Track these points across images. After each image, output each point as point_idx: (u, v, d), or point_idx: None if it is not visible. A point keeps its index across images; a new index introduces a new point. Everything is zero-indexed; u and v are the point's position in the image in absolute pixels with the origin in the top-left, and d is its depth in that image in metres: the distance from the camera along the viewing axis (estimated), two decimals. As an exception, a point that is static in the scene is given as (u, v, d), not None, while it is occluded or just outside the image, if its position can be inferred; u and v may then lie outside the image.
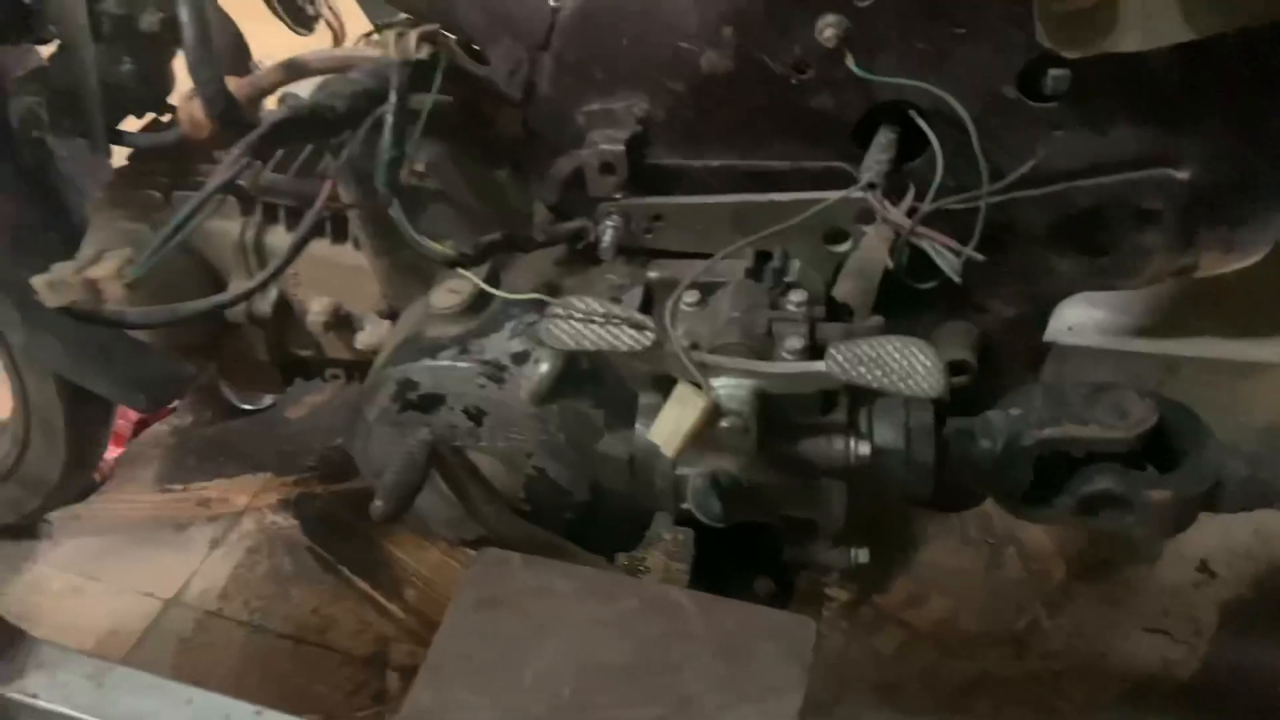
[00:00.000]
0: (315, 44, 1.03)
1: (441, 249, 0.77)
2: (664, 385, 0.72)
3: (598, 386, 0.83)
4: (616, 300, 0.84)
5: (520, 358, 0.84)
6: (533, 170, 0.89)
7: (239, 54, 0.99)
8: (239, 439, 1.61)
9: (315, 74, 0.87)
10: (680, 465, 0.77)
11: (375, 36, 0.94)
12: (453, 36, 0.84)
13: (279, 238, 1.00)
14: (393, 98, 0.73)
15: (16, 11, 0.94)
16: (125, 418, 1.51)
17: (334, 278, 1.01)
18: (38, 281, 0.73)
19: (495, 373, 0.84)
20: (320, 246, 0.98)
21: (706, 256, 0.81)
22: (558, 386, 0.81)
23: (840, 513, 0.78)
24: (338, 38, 1.02)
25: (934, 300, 0.80)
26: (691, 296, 0.80)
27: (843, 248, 0.81)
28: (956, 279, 0.69)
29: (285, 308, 1.05)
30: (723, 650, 0.73)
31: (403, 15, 0.92)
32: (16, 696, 0.79)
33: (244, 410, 1.63)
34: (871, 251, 0.76)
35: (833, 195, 0.77)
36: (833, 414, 0.75)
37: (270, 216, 1.01)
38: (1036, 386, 0.80)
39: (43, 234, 1.07)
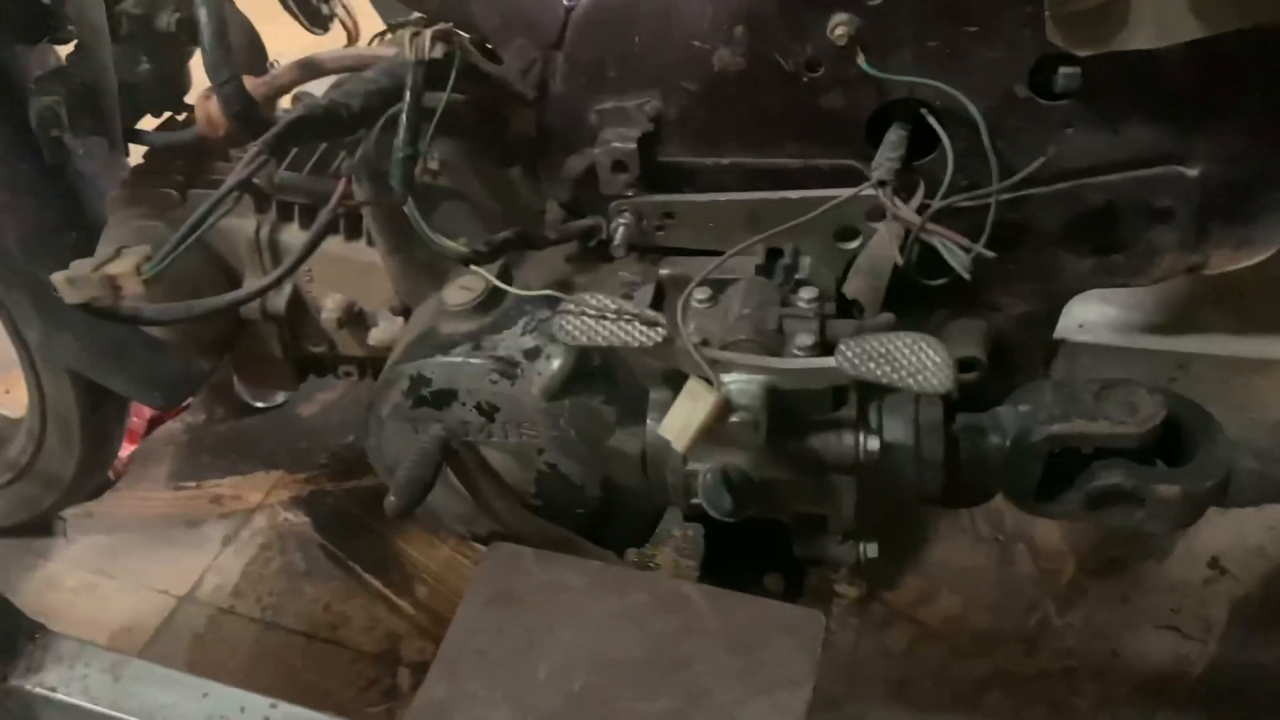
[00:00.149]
0: (330, 43, 1.03)
1: (455, 246, 0.78)
2: (675, 381, 0.73)
3: (609, 383, 0.83)
4: (628, 297, 0.84)
5: (532, 354, 0.83)
6: (546, 168, 0.89)
7: (255, 53, 0.99)
8: (252, 436, 1.61)
9: (330, 73, 0.88)
10: (691, 461, 0.77)
11: (389, 36, 0.95)
12: (467, 35, 0.84)
13: (293, 235, 1.01)
14: (407, 97, 0.74)
15: (35, 12, 0.96)
16: (139, 415, 1.52)
17: (347, 275, 1.01)
18: (57, 278, 0.74)
19: (507, 369, 0.84)
20: (334, 244, 0.98)
21: (718, 254, 0.81)
22: (570, 383, 0.81)
23: (850, 508, 0.78)
24: (352, 37, 1.02)
25: (945, 297, 0.80)
26: (703, 293, 0.80)
27: (853, 245, 0.81)
28: (967, 276, 0.70)
29: (299, 305, 1.05)
30: (734, 644, 0.74)
31: (416, 15, 0.92)
32: (36, 690, 0.79)
33: (257, 408, 1.63)
34: (882, 249, 0.76)
35: (844, 193, 0.78)
36: (843, 410, 0.75)
37: (285, 214, 1.01)
38: (1046, 383, 0.80)
39: (61, 231, 1.07)
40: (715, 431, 0.70)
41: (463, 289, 0.86)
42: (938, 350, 0.65)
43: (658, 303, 0.84)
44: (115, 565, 1.42)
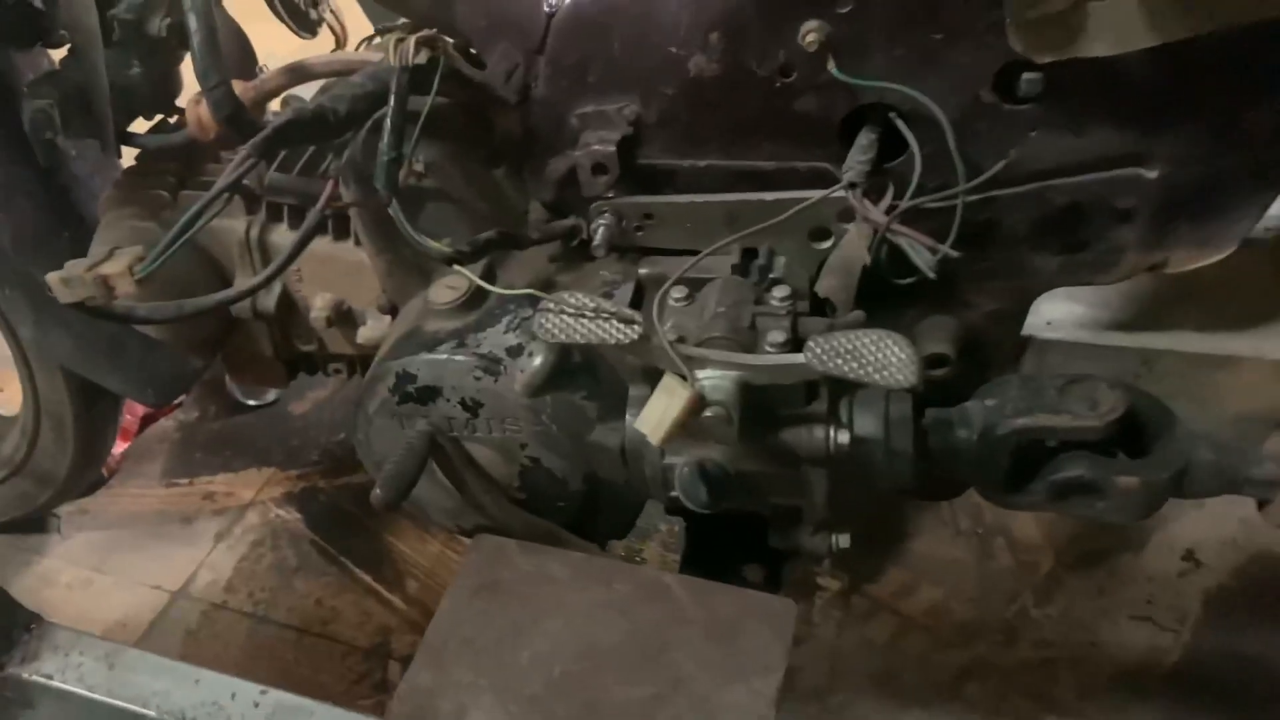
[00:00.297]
0: (318, 47, 1.05)
1: (439, 247, 0.79)
2: (653, 377, 0.74)
3: (590, 379, 0.84)
4: (609, 295, 0.86)
5: (515, 351, 0.85)
6: (529, 169, 0.90)
7: (244, 57, 1.01)
8: (244, 434, 1.62)
9: (318, 77, 0.89)
10: (668, 454, 0.79)
11: (377, 40, 0.96)
12: (451, 40, 0.85)
13: (282, 236, 1.02)
14: (392, 102, 0.75)
15: (28, 16, 0.97)
16: (131, 413, 1.52)
17: (336, 274, 1.03)
18: (52, 278, 0.75)
19: (491, 366, 0.85)
20: (322, 244, 1.00)
21: (696, 253, 0.83)
22: (551, 379, 0.83)
23: (823, 500, 0.80)
24: (339, 41, 1.04)
25: (918, 295, 0.82)
26: (680, 291, 0.82)
27: (826, 245, 0.83)
28: (931, 275, 0.72)
29: (289, 304, 1.06)
30: (711, 632, 0.76)
31: (402, 19, 0.94)
32: (33, 678, 0.80)
33: (249, 405, 1.64)
34: (852, 249, 0.78)
35: (815, 194, 0.79)
36: (814, 404, 0.77)
37: (274, 215, 1.03)
38: (1013, 378, 0.82)
39: (54, 231, 1.08)
40: (690, 426, 0.72)
41: (448, 288, 0.88)
42: (903, 347, 0.67)
43: (637, 301, 0.86)
44: (109, 561, 1.43)
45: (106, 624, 1.34)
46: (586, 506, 0.93)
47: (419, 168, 0.86)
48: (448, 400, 0.88)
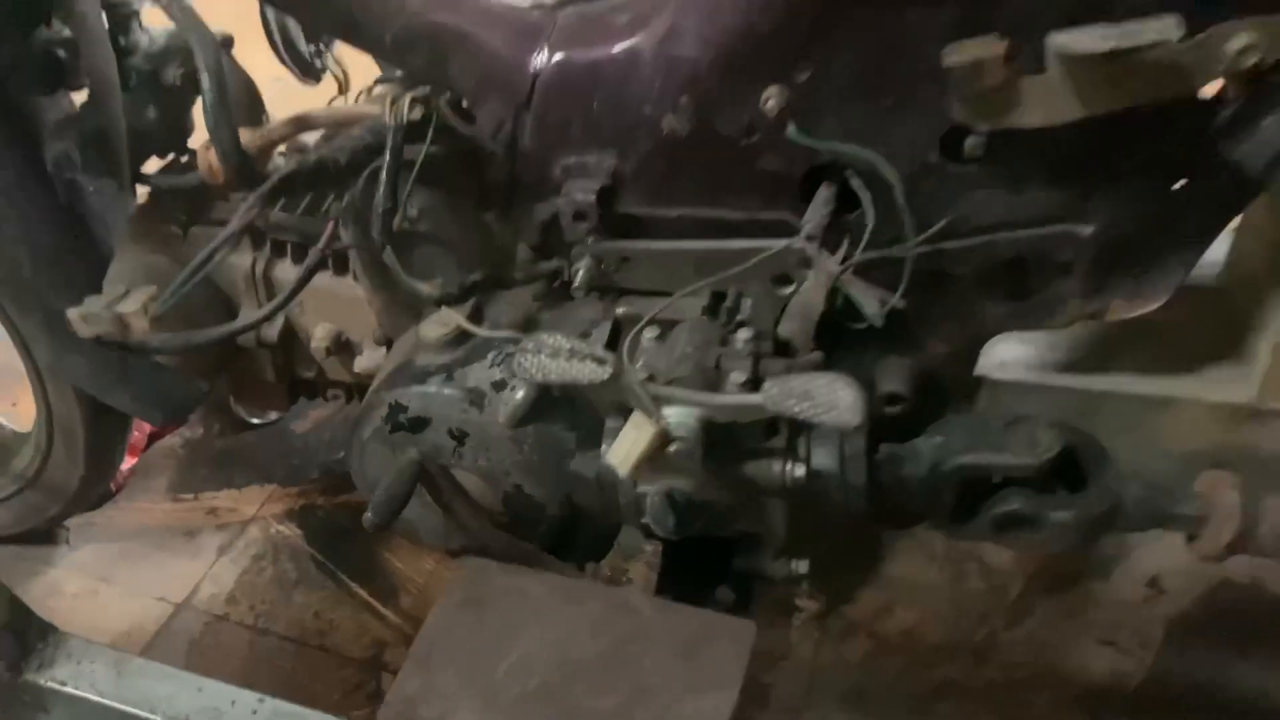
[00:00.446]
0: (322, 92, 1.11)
1: (428, 291, 0.85)
2: (626, 410, 0.78)
3: (569, 411, 0.88)
4: (588, 334, 0.91)
5: (499, 385, 0.89)
6: (516, 214, 0.95)
7: (252, 104, 1.05)
8: (247, 451, 1.63)
9: (320, 128, 0.94)
10: (640, 484, 0.83)
11: (378, 89, 1.02)
12: (447, 93, 0.90)
13: (286, 271, 1.07)
14: (387, 158, 0.81)
15: (52, 65, 1.02)
16: (140, 430, 1.54)
17: (335, 307, 1.07)
18: (72, 314, 0.81)
19: (477, 399, 0.90)
20: (323, 279, 1.04)
21: (670, 294, 0.88)
22: (532, 412, 0.86)
23: (781, 528, 0.84)
24: (342, 88, 1.09)
25: (877, 336, 0.86)
26: (652, 331, 0.87)
27: (788, 289, 0.87)
28: (878, 325, 0.77)
29: (291, 333, 1.11)
30: (675, 649, 0.80)
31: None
32: (48, 684, 0.85)
33: (252, 424, 1.66)
34: (810, 295, 0.83)
35: (777, 244, 0.84)
36: (774, 439, 0.81)
37: (278, 251, 1.07)
38: (962, 417, 0.86)
39: (72, 262, 1.11)
40: (657, 458, 0.77)
41: (438, 324, 0.92)
42: (850, 389, 0.72)
43: (615, 337, 0.90)
44: (116, 572, 1.45)
45: (113, 633, 1.36)
46: (565, 530, 0.96)
47: (413, 213, 0.91)
48: (436, 430, 0.92)
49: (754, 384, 0.80)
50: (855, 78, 0.78)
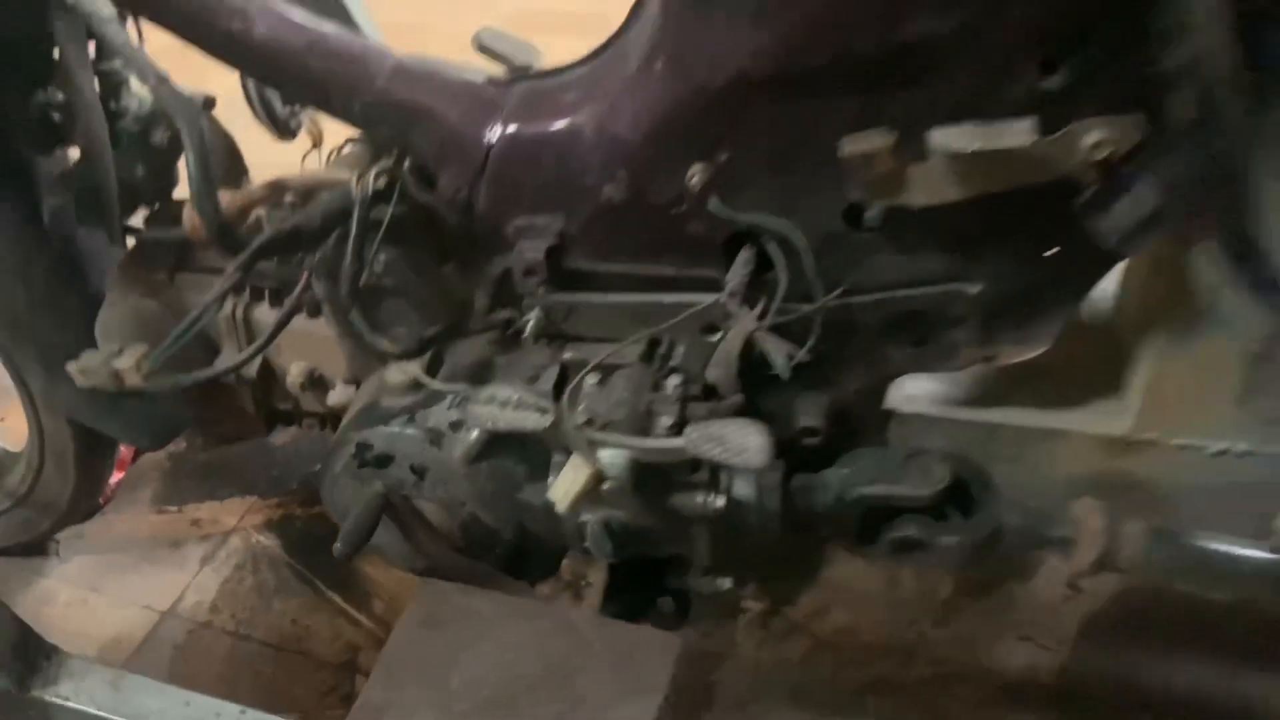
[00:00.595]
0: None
1: (389, 348, 0.92)
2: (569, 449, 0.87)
3: (519, 447, 0.94)
4: (537, 377, 0.98)
5: (456, 425, 0.95)
6: (472, 268, 1.01)
7: (233, 164, 1.13)
8: (229, 465, 1.66)
9: (294, 191, 1.01)
10: (581, 514, 0.92)
11: (346, 149, 1.09)
12: (409, 160, 0.97)
13: (264, 313, 1.13)
14: (354, 228, 0.89)
15: (48, 127, 1.09)
16: (127, 447, 1.58)
17: (310, 346, 1.13)
18: (71, 368, 0.88)
19: (436, 438, 0.96)
20: (299, 321, 1.09)
21: (613, 341, 0.95)
22: (485, 449, 0.93)
23: (705, 551, 0.93)
24: (316, 143, 1.14)
25: (798, 376, 0.92)
26: (595, 377, 0.94)
27: (715, 338, 0.95)
28: (785, 376, 0.85)
29: (269, 370, 1.17)
30: (610, 660, 0.89)
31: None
32: (52, 699, 0.92)
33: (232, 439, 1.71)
34: (732, 344, 0.91)
35: (705, 299, 0.92)
36: (699, 473, 0.90)
37: (257, 295, 1.14)
38: (868, 450, 0.95)
39: (65, 300, 1.18)
40: (594, 494, 0.86)
41: (400, 370, 1.00)
42: (760, 435, 0.81)
43: (561, 381, 0.97)
44: (104, 582, 1.49)
45: (102, 641, 1.40)
46: (518, 552, 1.02)
47: (379, 269, 0.98)
48: (399, 465, 0.98)
49: (679, 426, 0.88)
50: (768, 159, 0.85)
